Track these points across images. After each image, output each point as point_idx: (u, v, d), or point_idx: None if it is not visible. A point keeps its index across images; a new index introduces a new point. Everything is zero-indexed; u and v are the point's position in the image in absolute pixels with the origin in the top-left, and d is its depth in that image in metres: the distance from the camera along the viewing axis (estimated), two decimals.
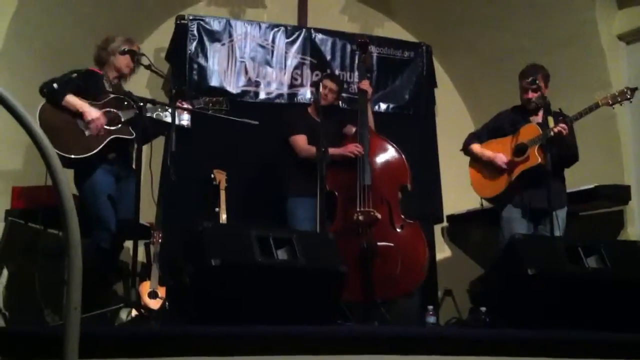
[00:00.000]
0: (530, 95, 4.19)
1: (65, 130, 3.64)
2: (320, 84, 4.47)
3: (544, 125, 3.98)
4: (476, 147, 4.36)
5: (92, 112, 3.68)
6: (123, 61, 3.89)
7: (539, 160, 3.98)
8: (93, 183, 3.69)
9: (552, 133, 3.93)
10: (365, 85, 4.54)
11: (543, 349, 2.65)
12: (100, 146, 3.67)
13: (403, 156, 4.39)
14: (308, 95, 5.38)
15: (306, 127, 4.47)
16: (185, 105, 3.86)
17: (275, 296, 2.83)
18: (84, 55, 4.05)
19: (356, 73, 5.44)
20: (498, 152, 4.25)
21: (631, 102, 4.00)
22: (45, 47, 4.59)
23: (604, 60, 5.05)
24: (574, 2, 5.08)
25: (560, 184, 4.18)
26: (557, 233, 3.86)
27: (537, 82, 4.13)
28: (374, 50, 5.65)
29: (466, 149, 4.44)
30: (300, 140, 4.45)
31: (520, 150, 4.14)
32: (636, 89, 3.99)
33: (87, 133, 3.66)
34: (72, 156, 3.56)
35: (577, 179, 4.37)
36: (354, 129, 4.49)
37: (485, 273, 3.57)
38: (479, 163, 4.36)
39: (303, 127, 4.48)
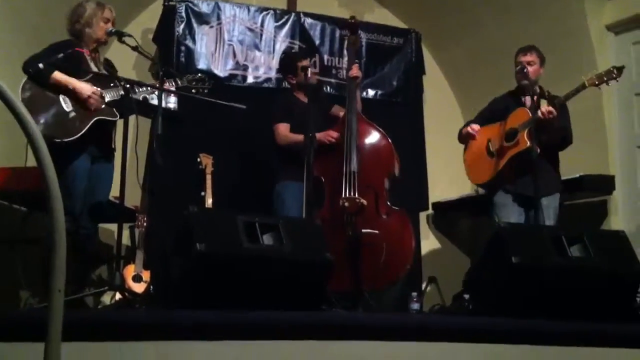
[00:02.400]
0: (525, 67, 4.14)
1: (47, 111, 3.53)
2: (308, 68, 4.43)
3: (534, 109, 3.97)
4: (464, 130, 4.39)
5: (86, 87, 3.58)
6: (101, 30, 3.75)
7: (528, 144, 3.96)
8: (71, 169, 3.59)
9: (539, 115, 3.92)
10: (355, 71, 4.52)
11: (525, 336, 2.67)
12: (84, 129, 3.57)
13: (391, 143, 4.38)
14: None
15: (291, 113, 4.45)
16: (171, 88, 3.80)
17: (261, 282, 2.83)
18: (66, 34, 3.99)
19: (345, 58, 5.38)
20: (485, 134, 4.26)
21: (618, 81, 3.93)
22: (29, 26, 4.52)
23: (592, 51, 5.07)
24: None
25: (552, 170, 4.18)
26: (547, 222, 3.88)
27: (531, 49, 4.19)
28: (363, 36, 5.63)
29: (459, 135, 4.46)
30: (282, 129, 4.44)
31: (511, 135, 4.14)
32: (623, 67, 3.93)
33: (71, 115, 3.58)
34: (57, 140, 3.46)
35: (563, 168, 4.40)
36: (341, 112, 4.48)
37: (473, 261, 3.59)
38: (471, 151, 4.37)
39: (288, 114, 4.46)
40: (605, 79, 3.90)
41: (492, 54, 5.58)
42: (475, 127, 4.31)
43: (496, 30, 5.58)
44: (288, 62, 4.70)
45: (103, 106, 3.65)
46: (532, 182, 3.85)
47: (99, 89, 3.64)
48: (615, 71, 3.89)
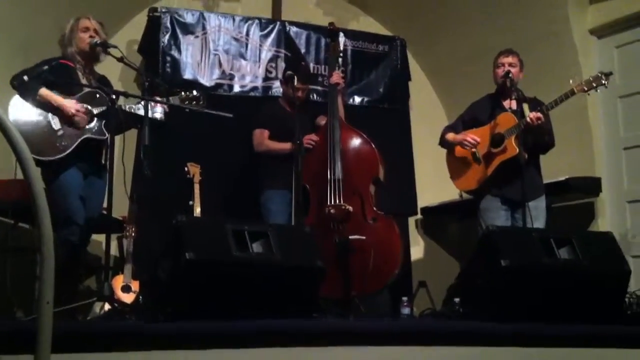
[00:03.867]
0: (505, 68, 4.17)
1: (36, 129, 3.54)
2: (300, 90, 4.44)
3: (519, 114, 3.97)
4: (450, 136, 4.37)
5: (71, 105, 3.59)
6: (82, 41, 3.74)
7: (517, 150, 3.97)
8: (62, 182, 3.60)
9: (528, 121, 3.92)
10: (336, 78, 4.54)
11: (515, 339, 2.68)
12: (72, 147, 3.59)
13: (374, 147, 4.37)
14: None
15: (275, 120, 4.45)
16: (160, 100, 3.80)
17: (251, 290, 2.82)
18: (55, 48, 3.98)
19: None
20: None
21: (606, 87, 3.94)
22: (16, 41, 4.51)
23: (576, 55, 5.12)
24: None
25: (536, 174, 4.20)
26: (537, 224, 3.89)
27: (512, 51, 4.21)
28: (348, 43, 5.67)
29: (441, 140, 4.44)
30: (258, 135, 4.45)
31: (497, 141, 4.15)
32: (610, 73, 3.95)
33: (60, 133, 3.58)
34: (44, 159, 3.48)
35: (549, 170, 4.43)
36: (323, 121, 4.49)
37: (463, 265, 3.60)
38: (455, 155, 4.36)
39: (270, 121, 4.47)
40: (593, 85, 3.91)
41: (476, 58, 5.61)
42: (476, 138, 4.21)
43: (480, 35, 5.62)
44: (288, 76, 4.69)
45: (92, 124, 3.66)
46: (518, 186, 3.86)
47: (85, 105, 3.64)
48: (603, 77, 3.90)
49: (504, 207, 4.15)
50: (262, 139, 4.45)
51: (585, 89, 3.92)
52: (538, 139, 4.07)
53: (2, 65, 4.26)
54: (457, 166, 4.37)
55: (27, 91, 3.57)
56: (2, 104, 3.61)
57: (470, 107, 4.46)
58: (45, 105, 3.60)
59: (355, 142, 4.40)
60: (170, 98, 3.80)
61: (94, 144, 3.70)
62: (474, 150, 4.19)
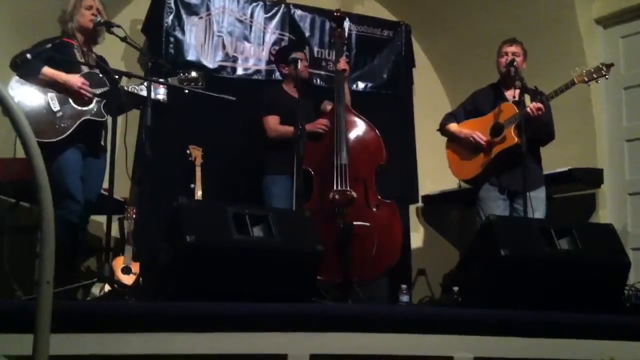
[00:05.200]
0: (509, 57, 4.16)
1: (35, 111, 3.52)
2: (299, 61, 4.41)
3: (520, 104, 3.95)
4: (454, 127, 4.36)
5: (77, 80, 3.56)
6: (84, 17, 3.72)
7: (515, 140, 3.97)
8: (61, 163, 3.58)
9: (528, 111, 3.91)
10: (342, 64, 4.52)
11: (514, 328, 2.69)
12: (71, 129, 3.57)
13: (379, 135, 4.38)
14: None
15: (281, 106, 4.44)
16: (160, 80, 3.78)
17: (251, 274, 2.82)
18: (56, 29, 3.96)
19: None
20: (470, 129, 4.26)
21: (607, 79, 3.93)
22: (18, 20, 4.47)
23: (581, 44, 5.08)
24: None
25: (535, 164, 4.19)
26: (536, 214, 3.89)
27: (516, 41, 4.19)
28: (353, 28, 5.63)
29: (443, 129, 4.43)
30: (271, 121, 4.43)
31: (496, 130, 4.14)
32: (612, 64, 3.93)
33: (59, 114, 3.55)
34: (43, 140, 3.43)
35: (551, 161, 4.42)
36: (329, 106, 4.48)
37: (462, 254, 3.60)
38: (456, 144, 4.36)
39: (276, 107, 4.45)
40: (594, 76, 3.89)
41: (481, 45, 5.58)
42: (484, 137, 4.18)
43: (486, 22, 5.59)
44: (282, 52, 4.71)
45: (92, 105, 3.64)
46: (517, 176, 3.87)
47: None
48: (604, 68, 3.88)
49: (502, 197, 4.15)
50: (275, 125, 4.43)
51: (586, 79, 3.91)
52: (537, 131, 4.05)
53: (5, 43, 4.24)
54: (456, 155, 4.37)
55: (29, 70, 3.53)
56: (3, 82, 3.58)
57: (472, 96, 4.45)
58: (49, 83, 3.56)
59: (361, 129, 4.41)
60: (169, 79, 3.78)
61: (93, 125, 3.68)
62: (483, 144, 4.18)
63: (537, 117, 3.95)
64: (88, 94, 3.59)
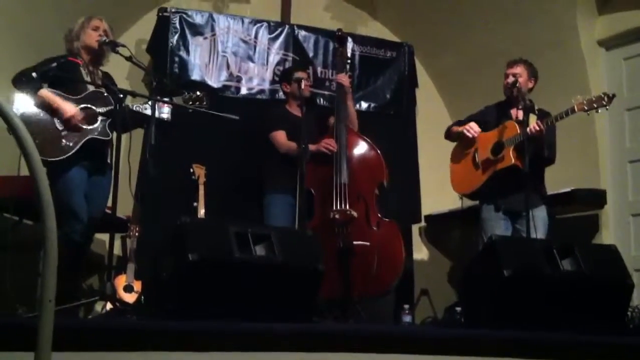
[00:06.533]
0: (511, 78, 4.18)
1: (40, 128, 3.53)
2: (302, 80, 4.43)
3: (523, 124, 3.95)
4: (456, 127, 4.39)
5: (67, 109, 3.58)
6: (90, 37, 3.76)
7: (512, 161, 3.99)
8: (66, 181, 3.59)
9: (527, 131, 3.91)
10: (343, 78, 4.55)
11: (517, 349, 2.67)
12: (76, 148, 3.58)
13: (380, 153, 4.39)
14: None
15: (285, 123, 4.46)
16: (164, 99, 3.80)
17: (253, 292, 2.82)
18: (60, 45, 3.99)
19: None
20: (475, 142, 4.27)
21: (607, 109, 3.88)
22: (24, 39, 4.51)
23: (583, 66, 5.11)
24: (556, 7, 5.13)
25: (536, 185, 4.15)
26: (538, 234, 3.88)
27: (518, 61, 4.21)
28: (356, 49, 5.67)
29: (448, 134, 4.46)
30: (280, 136, 4.44)
31: (497, 149, 4.15)
32: (614, 95, 3.86)
33: (64, 132, 3.57)
34: (48, 159, 3.45)
35: (554, 182, 4.41)
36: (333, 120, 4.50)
37: (463, 273, 3.58)
38: (457, 150, 4.38)
39: (282, 123, 4.46)
40: (595, 105, 3.83)
41: (483, 66, 5.61)
42: (476, 128, 4.24)
43: (488, 43, 5.62)
44: (285, 71, 4.75)
45: (97, 124, 3.65)
46: (516, 196, 3.89)
47: (87, 105, 3.63)
48: (606, 98, 3.81)
49: (503, 217, 4.15)
50: (285, 139, 4.42)
51: (586, 108, 3.85)
52: (538, 151, 4.05)
53: (7, 59, 4.27)
54: (458, 168, 4.40)
55: (31, 87, 3.55)
56: (8, 98, 3.60)
57: (482, 110, 4.48)
58: (44, 104, 3.58)
59: (361, 147, 4.42)
60: (174, 98, 3.80)
61: (98, 143, 3.70)
62: (475, 136, 4.21)
63: (537, 138, 3.95)
64: (78, 125, 3.59)
